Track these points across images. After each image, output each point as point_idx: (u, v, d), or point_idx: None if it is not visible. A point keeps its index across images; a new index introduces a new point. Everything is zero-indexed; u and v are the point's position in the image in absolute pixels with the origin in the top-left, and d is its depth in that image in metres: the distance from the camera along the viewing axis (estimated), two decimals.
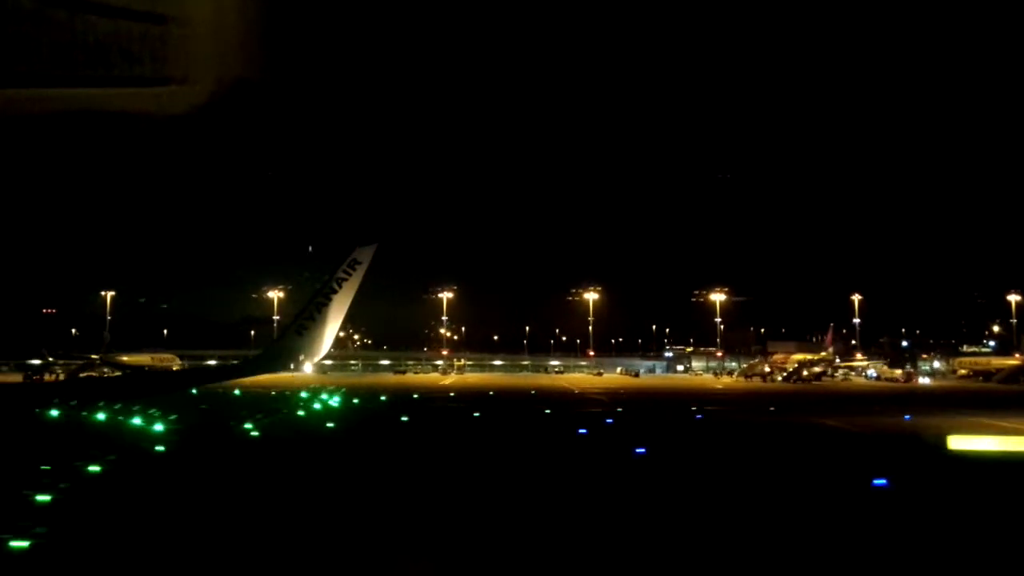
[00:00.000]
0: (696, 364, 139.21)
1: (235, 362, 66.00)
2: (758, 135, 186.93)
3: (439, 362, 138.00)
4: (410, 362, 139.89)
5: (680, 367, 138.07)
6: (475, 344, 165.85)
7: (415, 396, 68.49)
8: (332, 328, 15.83)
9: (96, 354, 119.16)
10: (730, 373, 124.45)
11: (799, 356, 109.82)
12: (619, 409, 52.26)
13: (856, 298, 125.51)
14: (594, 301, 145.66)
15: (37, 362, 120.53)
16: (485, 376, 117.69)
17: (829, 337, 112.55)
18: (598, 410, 51.76)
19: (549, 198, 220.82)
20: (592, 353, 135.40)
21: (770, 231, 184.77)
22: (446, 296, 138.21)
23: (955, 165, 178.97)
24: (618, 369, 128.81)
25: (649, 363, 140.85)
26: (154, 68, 5.45)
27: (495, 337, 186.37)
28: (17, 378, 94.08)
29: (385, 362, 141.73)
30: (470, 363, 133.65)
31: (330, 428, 39.28)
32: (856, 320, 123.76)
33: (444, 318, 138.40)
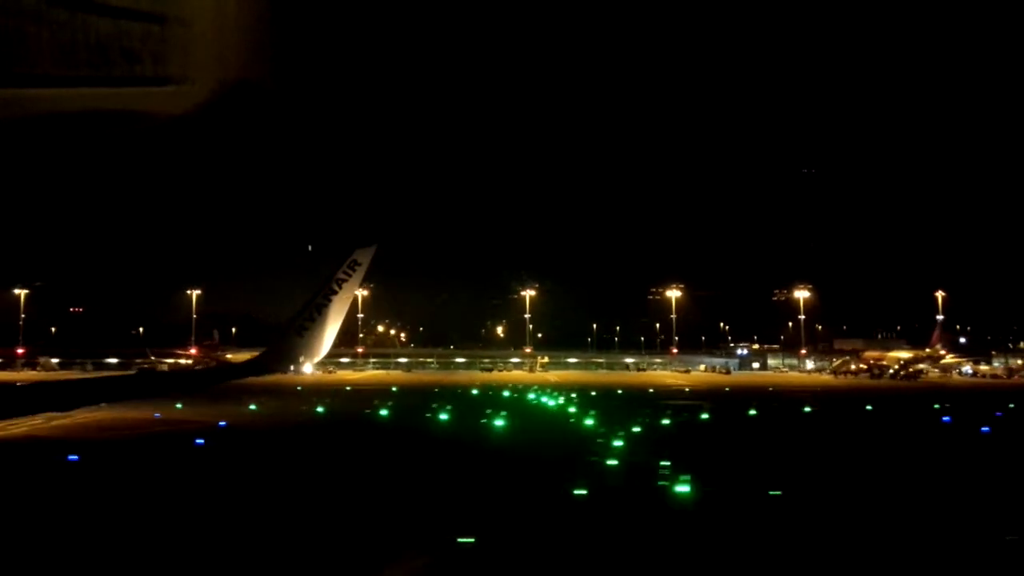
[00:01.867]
0: (772, 361, 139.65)
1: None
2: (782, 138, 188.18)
3: (514, 360, 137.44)
4: (485, 360, 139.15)
5: (755, 364, 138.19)
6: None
7: (593, 395, 67.80)
8: (332, 329, 15.76)
9: (182, 350, 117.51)
10: (817, 370, 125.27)
11: (898, 354, 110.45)
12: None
13: (940, 295, 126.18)
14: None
15: (114, 361, 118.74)
16: (577, 374, 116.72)
17: (936, 334, 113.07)
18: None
19: (569, 193, 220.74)
20: (675, 351, 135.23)
21: (824, 230, 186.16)
22: (528, 295, 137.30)
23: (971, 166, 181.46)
24: (701, 366, 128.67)
25: (720, 360, 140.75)
26: (155, 68, 5.52)
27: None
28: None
29: (460, 360, 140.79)
30: (547, 361, 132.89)
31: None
32: (939, 316, 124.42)
33: (527, 315, 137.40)
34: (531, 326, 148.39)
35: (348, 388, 76.49)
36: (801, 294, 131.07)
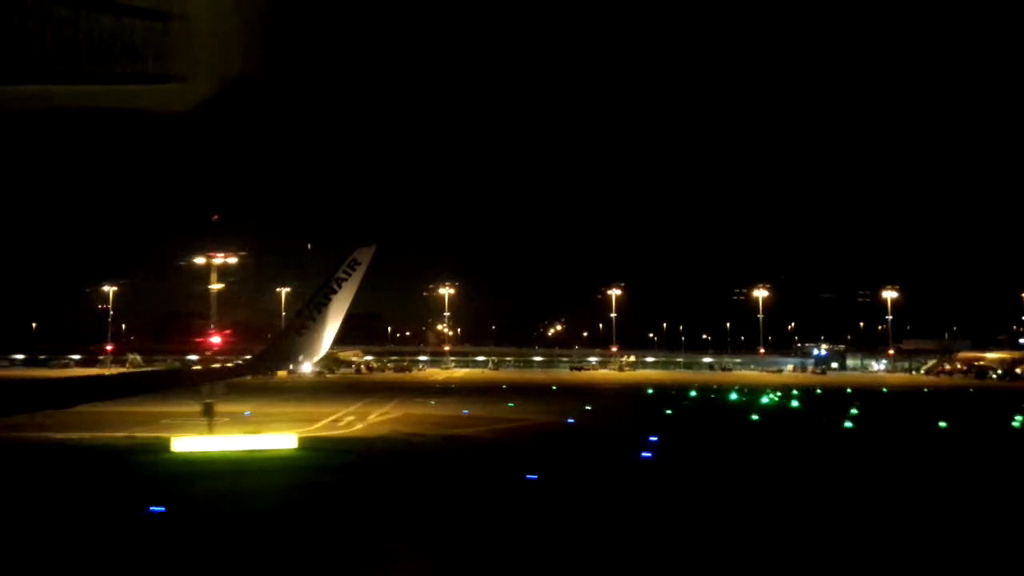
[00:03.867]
0: (850, 362, 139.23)
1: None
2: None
3: (592, 359, 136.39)
4: (563, 359, 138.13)
5: (835, 364, 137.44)
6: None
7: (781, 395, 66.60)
8: (331, 328, 15.94)
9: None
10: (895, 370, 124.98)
11: (999, 354, 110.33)
12: None
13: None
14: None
15: (193, 358, 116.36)
16: (669, 374, 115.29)
17: None
18: None
19: (598, 198, 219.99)
20: (763, 351, 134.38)
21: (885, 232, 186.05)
22: (614, 294, 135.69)
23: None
24: (789, 366, 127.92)
25: (795, 360, 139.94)
26: (157, 65, 5.61)
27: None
28: None
29: (538, 359, 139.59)
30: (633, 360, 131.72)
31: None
32: None
33: (613, 315, 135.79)
34: (601, 326, 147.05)
35: (505, 386, 74.70)
36: (889, 294, 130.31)
